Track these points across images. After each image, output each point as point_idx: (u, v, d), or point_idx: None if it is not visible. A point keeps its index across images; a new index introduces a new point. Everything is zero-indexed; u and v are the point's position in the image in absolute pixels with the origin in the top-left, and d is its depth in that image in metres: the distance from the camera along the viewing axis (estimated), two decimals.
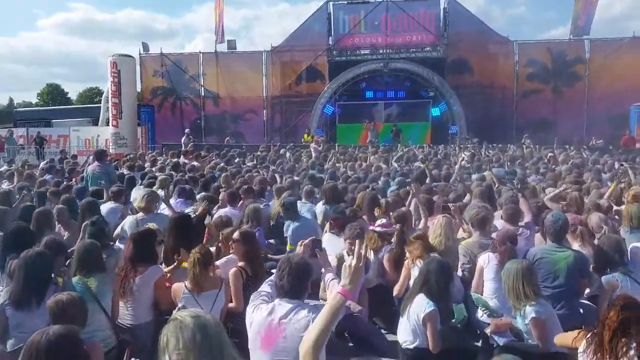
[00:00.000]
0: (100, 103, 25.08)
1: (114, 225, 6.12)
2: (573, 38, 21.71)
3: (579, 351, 3.00)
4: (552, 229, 4.49)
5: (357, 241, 2.46)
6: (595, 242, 4.73)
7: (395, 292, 4.61)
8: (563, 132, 19.25)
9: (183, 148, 15.87)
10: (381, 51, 22.84)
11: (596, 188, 7.61)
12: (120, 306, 4.09)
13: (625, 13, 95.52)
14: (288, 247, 5.75)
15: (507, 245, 4.41)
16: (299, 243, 3.41)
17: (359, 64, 22.09)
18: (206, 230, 5.28)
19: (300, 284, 2.97)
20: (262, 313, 2.93)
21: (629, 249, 4.73)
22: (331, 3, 22.81)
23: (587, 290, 4.57)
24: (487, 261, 4.47)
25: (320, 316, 2.38)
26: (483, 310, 4.14)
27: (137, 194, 7.21)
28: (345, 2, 23.33)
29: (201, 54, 24.04)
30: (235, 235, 4.39)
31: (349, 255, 4.33)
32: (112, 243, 5.10)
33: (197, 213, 5.66)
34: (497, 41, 22.21)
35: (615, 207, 6.26)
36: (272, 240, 6.52)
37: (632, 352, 2.69)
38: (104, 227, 4.96)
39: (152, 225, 4.85)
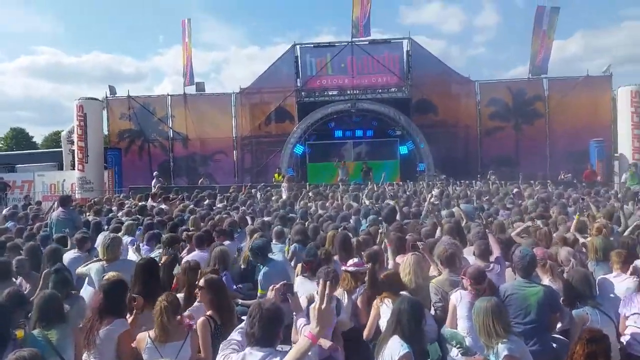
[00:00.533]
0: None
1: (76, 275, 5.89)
2: (532, 77, 22.63)
3: None
4: (521, 265, 4.53)
5: (321, 281, 2.42)
6: (565, 275, 4.80)
7: (365, 334, 4.53)
8: (527, 168, 19.88)
9: (153, 191, 15.54)
10: (348, 92, 23.36)
11: (563, 222, 7.79)
12: (84, 358, 3.89)
13: (578, 54, 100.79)
14: (259, 293, 5.62)
15: (487, 280, 4.43)
16: (270, 288, 3.34)
17: (327, 104, 22.47)
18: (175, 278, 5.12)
19: (272, 331, 2.88)
20: None
21: (596, 282, 4.84)
22: (298, 46, 23.36)
23: (559, 325, 4.59)
24: (459, 298, 4.46)
25: (286, 358, 2.33)
26: (457, 348, 4.10)
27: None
28: (312, 46, 24.01)
29: (169, 97, 24.03)
30: (201, 282, 4.23)
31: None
32: (74, 292, 4.89)
33: (162, 261, 5.50)
34: (459, 81, 22.99)
35: (581, 240, 6.41)
36: (241, 285, 6.38)
37: None
38: (67, 275, 4.77)
39: (117, 274, 4.67)
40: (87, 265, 5.67)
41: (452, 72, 23.10)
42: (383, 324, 4.18)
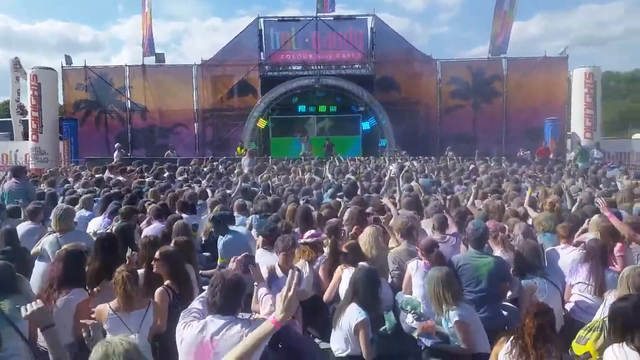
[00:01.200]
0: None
1: (30, 247, 5.75)
2: (492, 57, 23.04)
3: (501, 353, 3.23)
4: (473, 237, 4.74)
5: (290, 271, 2.50)
6: (515, 247, 5.04)
7: (325, 297, 4.69)
8: (484, 145, 20.41)
9: (114, 162, 15.10)
10: (312, 67, 23.18)
11: (514, 197, 8.11)
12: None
13: (537, 36, 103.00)
14: (219, 261, 5.67)
15: (435, 251, 4.62)
16: (232, 259, 3.39)
17: (290, 79, 22.26)
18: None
19: (233, 300, 2.95)
20: (193, 330, 2.89)
21: (545, 253, 5.12)
22: (262, 20, 22.94)
23: (509, 293, 4.84)
24: (415, 268, 4.64)
25: (247, 338, 2.40)
26: (412, 314, 4.28)
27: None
28: (276, 19, 23.60)
29: (127, 67, 23.21)
30: (156, 254, 4.26)
31: (281, 269, 4.38)
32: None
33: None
34: (421, 60, 23.15)
35: (532, 214, 6.70)
36: (206, 253, 6.40)
37: (553, 354, 3.04)
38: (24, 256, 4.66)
39: (76, 243, 4.61)
40: (39, 243, 5.54)
41: (414, 50, 23.23)
42: (342, 290, 4.32)
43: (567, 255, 5.11)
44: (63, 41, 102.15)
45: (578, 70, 21.26)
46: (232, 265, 3.31)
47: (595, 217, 5.65)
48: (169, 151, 20.39)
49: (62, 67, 22.54)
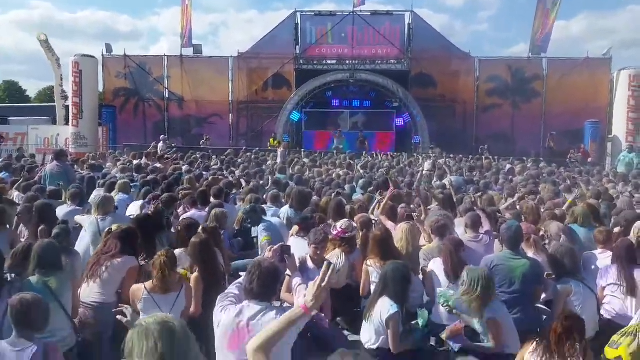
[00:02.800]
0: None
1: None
2: (532, 56, 22.52)
3: (527, 351, 3.26)
4: (507, 236, 4.67)
5: (325, 264, 2.54)
6: (550, 250, 4.94)
7: (360, 292, 4.76)
8: (521, 145, 20.04)
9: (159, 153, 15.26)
10: (347, 62, 23.16)
11: (550, 199, 7.94)
12: (87, 286, 4.26)
13: (581, 35, 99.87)
14: (263, 239, 5.72)
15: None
16: (268, 248, 3.45)
17: (325, 73, 22.32)
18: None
19: (270, 288, 3.01)
20: (230, 314, 2.95)
21: (582, 257, 5.02)
22: (299, 14, 23.04)
23: (543, 296, 4.77)
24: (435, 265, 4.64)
25: (276, 322, 2.45)
26: (444, 307, 4.25)
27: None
28: (313, 14, 23.65)
29: (166, 57, 23.72)
30: (191, 240, 4.45)
31: (312, 261, 4.42)
32: (71, 247, 4.98)
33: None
34: (459, 57, 22.87)
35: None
36: (239, 238, 6.53)
37: (577, 353, 3.07)
38: (66, 228, 4.85)
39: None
40: (84, 216, 5.77)
41: (452, 47, 22.95)
42: (372, 283, 4.37)
43: (605, 260, 4.98)
44: (103, 30, 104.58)
45: (622, 71, 20.54)
46: (268, 254, 3.37)
47: (638, 223, 5.49)
48: (204, 140, 20.70)
49: (102, 55, 23.20)
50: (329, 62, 23.84)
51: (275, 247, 3.44)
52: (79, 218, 5.76)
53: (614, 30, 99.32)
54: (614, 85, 21.00)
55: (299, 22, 23.04)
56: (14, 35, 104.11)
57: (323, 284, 2.42)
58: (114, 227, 4.63)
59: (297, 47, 23.16)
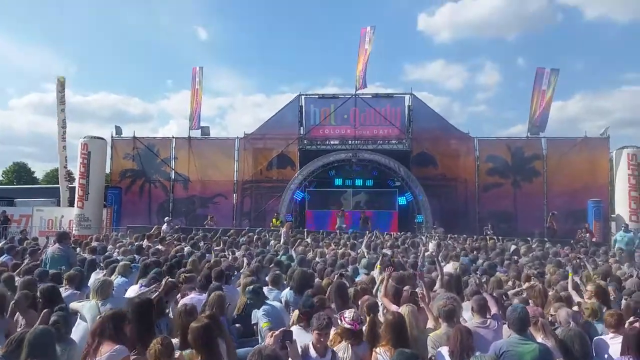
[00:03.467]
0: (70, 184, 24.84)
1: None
2: (530, 136, 23.03)
3: None
4: (512, 319, 4.55)
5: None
6: (560, 335, 4.77)
7: None
8: (523, 225, 19.98)
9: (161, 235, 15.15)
10: (350, 142, 23.75)
11: (556, 282, 7.77)
12: None
13: (577, 115, 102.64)
14: (263, 326, 5.55)
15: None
16: (269, 334, 3.36)
17: (328, 153, 22.84)
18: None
19: None
20: None
21: (593, 342, 4.83)
22: (303, 97, 23.96)
23: None
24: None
25: None
26: None
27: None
28: (317, 97, 24.55)
29: (174, 139, 24.39)
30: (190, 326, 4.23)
31: (315, 349, 4.25)
32: (69, 336, 4.83)
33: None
34: (459, 137, 23.45)
35: (576, 299, 6.39)
36: (238, 324, 6.33)
37: None
38: (66, 316, 4.74)
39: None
40: (81, 301, 5.65)
41: (452, 128, 23.61)
42: None
43: (617, 346, 4.79)
44: (114, 112, 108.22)
45: (620, 151, 20.92)
46: (269, 340, 3.27)
47: None
48: (207, 220, 20.73)
49: (112, 137, 23.87)
50: (332, 142, 24.44)
51: (277, 332, 3.35)
52: (74, 305, 5.60)
53: (610, 111, 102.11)
54: (614, 164, 21.31)
55: (304, 104, 23.90)
56: (27, 117, 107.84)
57: None
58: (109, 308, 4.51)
59: (301, 128, 23.87)
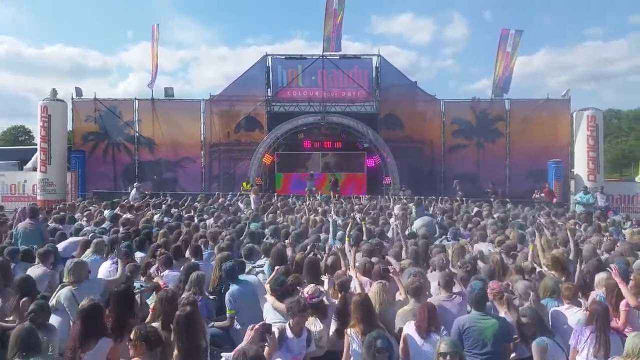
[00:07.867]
0: (27, 144, 23.99)
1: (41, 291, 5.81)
2: (494, 97, 23.42)
3: None
4: (470, 299, 4.94)
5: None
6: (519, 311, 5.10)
7: None
8: (487, 185, 20.69)
9: (131, 202, 14.89)
10: (318, 104, 23.62)
11: (516, 248, 8.21)
12: None
13: (541, 70, 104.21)
14: (227, 313, 5.79)
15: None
16: (250, 327, 3.52)
17: (296, 115, 22.72)
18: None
19: None
20: None
21: (549, 313, 5.21)
22: (270, 57, 23.53)
23: (513, 355, 4.92)
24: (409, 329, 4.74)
25: None
26: None
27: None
28: (284, 57, 24.13)
29: (137, 101, 23.60)
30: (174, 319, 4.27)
31: (291, 330, 4.45)
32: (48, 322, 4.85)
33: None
34: (425, 99, 23.64)
35: (537, 269, 6.78)
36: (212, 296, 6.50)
37: None
38: (46, 305, 4.76)
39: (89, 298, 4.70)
40: (55, 295, 5.57)
41: (418, 90, 23.76)
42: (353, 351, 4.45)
43: (573, 316, 5.15)
44: (72, 66, 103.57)
45: (581, 113, 21.60)
46: (249, 333, 3.43)
47: (603, 274, 5.75)
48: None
49: (72, 98, 22.94)
50: (300, 104, 24.24)
51: (257, 326, 3.51)
52: (51, 303, 5.53)
53: (573, 65, 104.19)
54: (574, 125, 22.04)
55: (270, 65, 23.51)
56: None
57: None
58: (84, 301, 4.50)
59: (269, 89, 23.57)
